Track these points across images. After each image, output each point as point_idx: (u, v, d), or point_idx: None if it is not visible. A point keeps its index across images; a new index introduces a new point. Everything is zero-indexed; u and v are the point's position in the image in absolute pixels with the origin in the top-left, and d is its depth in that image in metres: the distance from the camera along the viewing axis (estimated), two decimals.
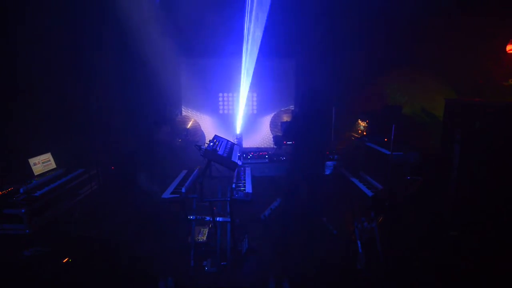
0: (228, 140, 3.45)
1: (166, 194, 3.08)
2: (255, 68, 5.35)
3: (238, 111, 5.60)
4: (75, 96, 4.31)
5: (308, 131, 3.54)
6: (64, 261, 3.22)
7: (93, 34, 4.44)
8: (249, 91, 5.60)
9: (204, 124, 5.81)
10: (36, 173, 3.54)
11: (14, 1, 3.71)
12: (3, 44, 3.62)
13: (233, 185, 3.19)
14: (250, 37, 5.13)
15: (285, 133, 3.79)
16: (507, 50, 3.89)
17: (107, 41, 4.61)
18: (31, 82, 3.89)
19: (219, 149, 2.99)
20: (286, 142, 3.90)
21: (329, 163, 3.99)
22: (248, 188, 3.20)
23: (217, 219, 3.21)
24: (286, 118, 5.42)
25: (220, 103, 5.85)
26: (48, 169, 3.73)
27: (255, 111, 5.89)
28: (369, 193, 3.23)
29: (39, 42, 3.90)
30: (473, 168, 3.37)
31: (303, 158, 3.60)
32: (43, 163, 3.66)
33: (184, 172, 3.76)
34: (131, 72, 5.00)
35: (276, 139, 4.17)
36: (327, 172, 3.99)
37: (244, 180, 3.45)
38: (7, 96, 3.66)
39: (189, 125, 5.48)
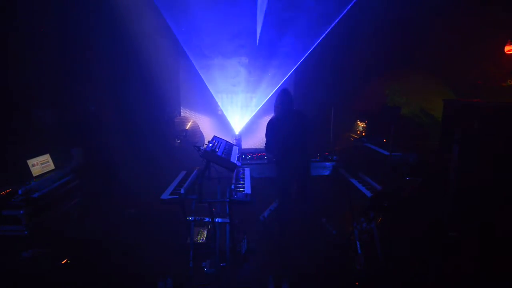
0: (227, 141, 3.44)
1: (165, 195, 3.07)
2: (254, 68, 5.37)
3: (238, 111, 5.62)
4: (74, 97, 4.31)
5: (288, 134, 3.49)
6: (63, 262, 3.22)
7: (90, 34, 4.44)
8: (248, 91, 5.62)
9: (203, 125, 5.81)
10: (34, 174, 3.53)
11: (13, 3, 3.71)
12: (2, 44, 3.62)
13: (232, 186, 3.19)
14: (251, 37, 5.14)
15: (267, 137, 3.74)
16: (505, 51, 3.90)
17: (105, 41, 4.61)
18: (30, 82, 3.89)
19: (218, 150, 2.99)
20: (266, 150, 3.85)
21: (328, 164, 3.99)
22: (247, 189, 3.19)
23: (216, 220, 3.20)
24: None
25: (220, 103, 5.85)
26: (47, 170, 3.71)
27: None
28: (368, 193, 3.23)
29: (38, 42, 3.90)
30: (473, 169, 3.37)
31: (287, 160, 3.58)
32: (41, 164, 3.65)
33: (183, 173, 3.75)
34: (130, 72, 5.00)
35: None
36: (326, 173, 4.00)
37: (243, 181, 3.44)
38: (6, 96, 3.66)
39: (188, 126, 5.48)
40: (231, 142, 3.55)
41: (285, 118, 3.55)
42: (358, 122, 4.71)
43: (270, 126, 3.64)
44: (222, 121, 5.88)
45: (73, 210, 3.87)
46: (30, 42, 3.86)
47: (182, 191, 3.10)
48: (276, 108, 3.62)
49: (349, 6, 4.88)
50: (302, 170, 3.64)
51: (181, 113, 5.81)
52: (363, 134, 4.53)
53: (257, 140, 5.96)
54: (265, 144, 3.72)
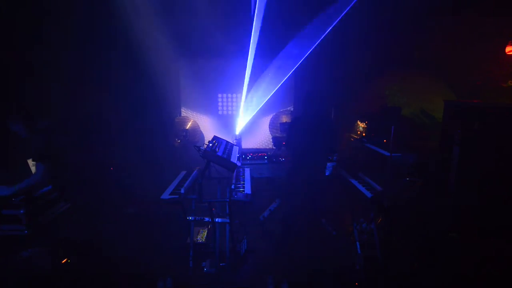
0: (227, 141, 3.44)
1: (165, 195, 3.08)
2: (254, 69, 5.38)
3: (238, 111, 5.61)
4: (74, 96, 4.31)
5: (311, 135, 3.52)
6: (63, 262, 3.22)
7: (90, 33, 4.44)
8: (248, 91, 5.63)
9: (204, 124, 5.81)
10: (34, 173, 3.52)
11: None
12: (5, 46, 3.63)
13: (232, 186, 3.19)
14: (249, 38, 5.14)
15: (286, 137, 3.74)
16: (506, 51, 3.90)
17: (105, 40, 4.61)
18: (30, 82, 3.89)
19: (218, 150, 2.99)
20: (287, 148, 3.86)
21: (328, 164, 3.99)
22: (247, 189, 3.20)
23: (216, 220, 3.20)
24: (285, 119, 5.43)
25: (220, 103, 5.85)
26: None
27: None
28: (368, 194, 3.23)
29: (39, 42, 3.91)
30: (473, 170, 3.37)
31: (304, 162, 3.58)
32: None
33: (183, 173, 3.75)
34: (130, 72, 5.00)
35: (275, 140, 4.16)
36: (326, 173, 4.00)
37: (243, 181, 3.45)
38: (6, 96, 3.66)
39: (188, 125, 5.48)
40: (231, 142, 3.56)
41: (310, 119, 3.56)
42: (359, 123, 4.71)
43: (294, 123, 3.63)
44: (222, 121, 5.88)
45: (73, 209, 3.87)
46: (33, 41, 3.87)
47: (182, 191, 3.11)
48: (302, 107, 3.62)
49: (349, 6, 4.88)
50: (317, 171, 3.63)
51: (182, 113, 5.81)
52: (364, 134, 4.53)
53: (258, 140, 5.96)
54: (286, 140, 3.71)
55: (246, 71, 5.32)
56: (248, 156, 4.20)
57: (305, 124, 3.57)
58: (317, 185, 3.62)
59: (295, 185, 3.67)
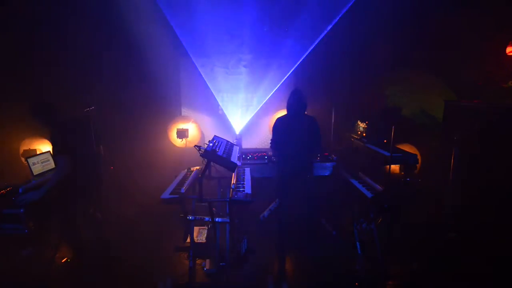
0: (227, 141, 3.44)
1: (165, 195, 3.08)
2: (255, 68, 5.38)
3: (238, 111, 5.62)
4: (74, 96, 4.31)
5: (294, 134, 3.49)
6: (63, 261, 3.22)
7: (92, 33, 4.44)
8: (249, 91, 5.63)
9: (204, 124, 5.81)
10: (35, 173, 3.53)
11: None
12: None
13: (233, 186, 3.19)
14: (250, 37, 5.15)
15: (272, 137, 3.72)
16: (507, 52, 3.90)
17: (105, 40, 4.61)
18: (31, 81, 3.89)
19: (218, 149, 2.99)
20: (271, 148, 3.83)
21: (328, 164, 3.99)
22: (248, 189, 3.19)
23: (216, 219, 3.20)
24: None
25: (220, 103, 5.85)
26: (47, 169, 3.71)
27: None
28: (369, 194, 3.22)
29: (41, 42, 3.92)
30: (472, 170, 3.37)
31: (287, 161, 3.57)
32: (42, 162, 3.65)
33: (183, 172, 3.75)
34: (131, 72, 5.01)
35: None
36: (326, 173, 3.99)
37: (244, 181, 3.44)
38: (7, 95, 3.67)
39: (189, 125, 5.48)
40: (231, 141, 3.55)
41: (293, 118, 3.54)
42: (359, 123, 4.70)
43: (278, 123, 3.62)
44: (222, 121, 5.88)
45: (73, 209, 3.86)
46: (33, 42, 3.87)
47: (182, 190, 3.11)
48: (287, 107, 3.60)
49: (348, 6, 4.88)
50: (303, 171, 3.62)
51: (182, 112, 5.81)
52: (364, 134, 4.53)
53: (258, 140, 5.96)
54: (271, 141, 3.69)
55: (247, 70, 5.32)
56: (248, 156, 4.20)
57: (286, 124, 3.56)
58: (305, 184, 3.61)
59: (285, 184, 3.67)
